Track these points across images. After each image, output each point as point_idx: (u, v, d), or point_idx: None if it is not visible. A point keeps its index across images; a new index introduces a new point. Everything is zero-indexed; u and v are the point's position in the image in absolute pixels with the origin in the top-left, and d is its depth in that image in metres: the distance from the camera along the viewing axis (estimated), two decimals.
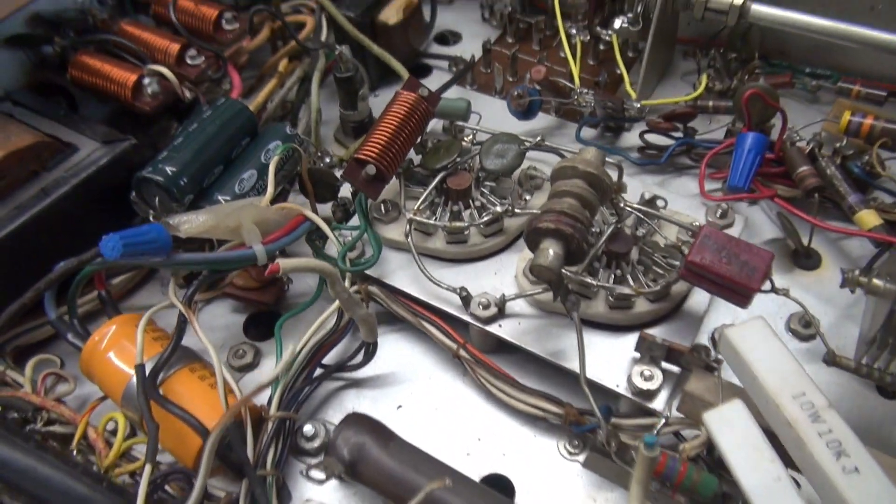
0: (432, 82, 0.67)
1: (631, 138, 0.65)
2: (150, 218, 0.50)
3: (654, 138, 0.63)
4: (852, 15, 0.64)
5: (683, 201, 0.55)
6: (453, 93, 0.69)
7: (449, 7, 0.84)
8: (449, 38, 0.82)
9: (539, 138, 0.54)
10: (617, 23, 0.61)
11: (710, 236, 0.42)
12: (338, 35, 0.70)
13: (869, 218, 0.52)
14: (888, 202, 0.55)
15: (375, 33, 0.70)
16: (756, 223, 0.59)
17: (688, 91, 0.70)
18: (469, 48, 0.78)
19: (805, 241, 0.56)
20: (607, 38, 0.62)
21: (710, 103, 0.62)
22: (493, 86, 0.72)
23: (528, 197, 0.54)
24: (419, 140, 0.54)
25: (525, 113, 0.64)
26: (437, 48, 0.79)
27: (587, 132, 0.66)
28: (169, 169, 0.50)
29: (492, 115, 0.66)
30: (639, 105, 0.59)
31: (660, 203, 0.51)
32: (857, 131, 0.57)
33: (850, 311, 0.53)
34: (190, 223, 0.42)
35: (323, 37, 0.69)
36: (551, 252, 0.40)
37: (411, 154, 0.54)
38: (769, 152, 0.57)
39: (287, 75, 0.68)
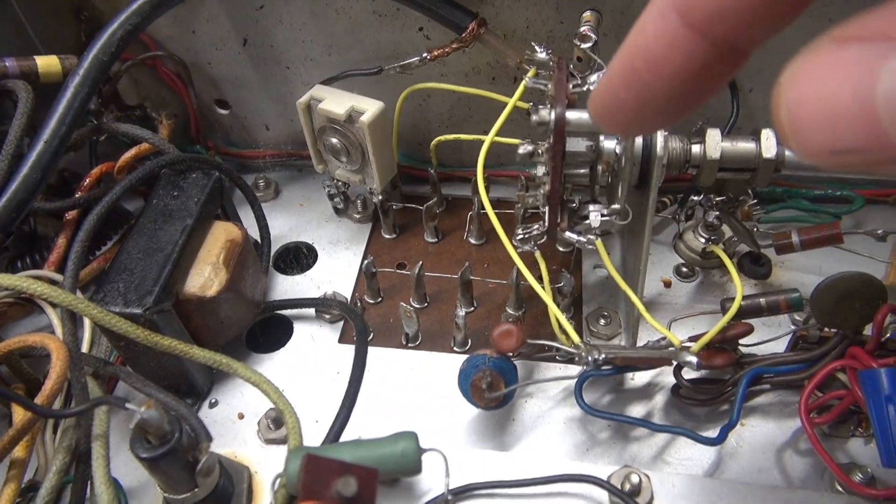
0: (299, 358, 0.39)
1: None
2: None
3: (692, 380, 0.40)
4: None
5: None
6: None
7: (276, 206, 0.56)
8: (302, 258, 0.53)
9: None
10: (594, 217, 0.37)
11: None
12: (116, 343, 0.39)
13: None
14: None
15: (186, 316, 0.40)
16: None
17: (672, 258, 0.49)
18: (334, 269, 0.50)
19: None
20: (589, 244, 0.38)
21: (762, 301, 0.40)
22: (402, 332, 0.45)
23: None
24: None
25: (498, 406, 0.38)
26: (284, 283, 0.50)
27: (593, 392, 0.41)
28: None
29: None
30: (689, 358, 0.35)
31: None
32: None
33: None
34: None
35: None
36: None
37: None
38: None
39: None
